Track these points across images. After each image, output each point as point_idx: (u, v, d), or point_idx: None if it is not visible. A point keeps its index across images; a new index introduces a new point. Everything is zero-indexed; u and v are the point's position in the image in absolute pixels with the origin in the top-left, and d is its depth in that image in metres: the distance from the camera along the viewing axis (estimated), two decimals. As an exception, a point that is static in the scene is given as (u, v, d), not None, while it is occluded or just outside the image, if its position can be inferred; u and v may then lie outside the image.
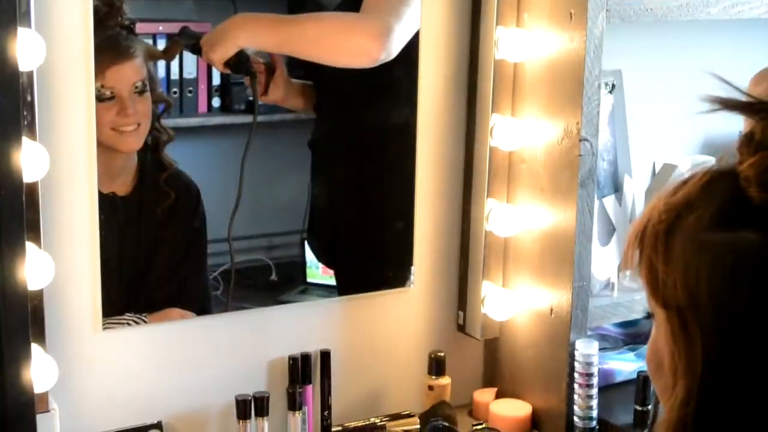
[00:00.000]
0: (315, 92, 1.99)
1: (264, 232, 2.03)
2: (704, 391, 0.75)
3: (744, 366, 0.75)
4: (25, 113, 1.46)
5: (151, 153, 1.85)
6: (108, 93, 1.73)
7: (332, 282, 2.07)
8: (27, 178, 1.44)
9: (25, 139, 1.43)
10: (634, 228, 0.82)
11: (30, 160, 1.46)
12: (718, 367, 0.75)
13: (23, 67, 1.44)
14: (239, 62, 1.85)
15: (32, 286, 1.47)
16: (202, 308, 1.91)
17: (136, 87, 1.78)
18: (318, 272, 2.08)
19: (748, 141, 0.78)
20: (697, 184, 0.79)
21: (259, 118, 1.90)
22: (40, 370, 1.51)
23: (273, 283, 2.03)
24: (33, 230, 1.51)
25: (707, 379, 0.75)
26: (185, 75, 1.89)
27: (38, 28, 1.52)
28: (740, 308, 0.74)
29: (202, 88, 1.91)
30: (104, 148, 1.74)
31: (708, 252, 0.75)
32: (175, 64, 1.89)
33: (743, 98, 0.79)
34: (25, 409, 1.46)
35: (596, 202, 1.92)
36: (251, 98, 1.90)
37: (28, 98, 1.49)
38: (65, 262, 1.67)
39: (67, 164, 1.67)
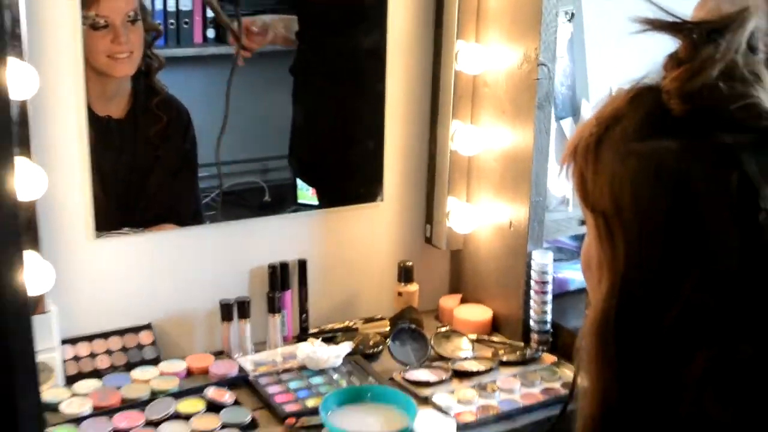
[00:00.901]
0: (298, 21, 1.98)
1: (258, 156, 2.04)
2: (625, 288, 0.77)
3: (661, 266, 0.76)
4: (12, 34, 1.46)
5: (143, 79, 1.85)
6: (102, 22, 1.73)
7: (320, 202, 2.09)
8: (15, 96, 1.44)
9: (11, 58, 1.42)
10: (569, 142, 0.84)
11: (17, 78, 1.46)
12: (638, 267, 0.77)
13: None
14: None
15: (24, 197, 1.48)
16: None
17: (129, 16, 1.77)
18: (308, 194, 2.09)
19: (671, 59, 0.79)
20: (624, 99, 0.80)
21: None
22: (36, 274, 1.54)
23: (266, 204, 2.05)
24: (24, 145, 1.52)
25: (628, 278, 0.77)
26: (181, 7, 1.88)
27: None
28: (659, 213, 0.75)
29: (197, 19, 1.90)
30: (99, 74, 1.75)
31: (631, 160, 0.76)
32: (171, -3, 1.87)
33: (669, 18, 0.80)
34: (21, 308, 1.47)
35: (554, 124, 1.93)
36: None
37: (17, 24, 1.49)
38: (58, 176, 1.69)
39: (57, 84, 1.68)
